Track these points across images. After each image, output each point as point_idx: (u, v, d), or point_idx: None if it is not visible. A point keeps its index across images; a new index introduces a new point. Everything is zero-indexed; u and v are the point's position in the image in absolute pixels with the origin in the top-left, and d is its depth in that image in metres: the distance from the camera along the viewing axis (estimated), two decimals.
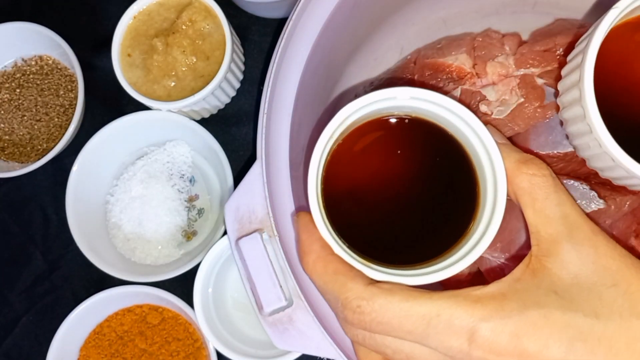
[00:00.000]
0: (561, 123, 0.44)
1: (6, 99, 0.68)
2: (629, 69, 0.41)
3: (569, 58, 0.42)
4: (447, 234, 0.39)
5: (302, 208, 0.47)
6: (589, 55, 0.37)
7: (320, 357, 0.54)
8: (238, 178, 0.63)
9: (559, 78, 0.46)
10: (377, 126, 0.41)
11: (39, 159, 0.63)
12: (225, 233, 0.60)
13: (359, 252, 0.38)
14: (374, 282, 0.34)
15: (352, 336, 0.35)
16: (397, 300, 0.32)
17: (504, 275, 0.50)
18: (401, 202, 0.40)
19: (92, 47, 0.69)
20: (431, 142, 0.41)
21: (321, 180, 0.38)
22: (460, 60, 0.51)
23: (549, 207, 0.35)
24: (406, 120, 0.40)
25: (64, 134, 0.64)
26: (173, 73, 0.61)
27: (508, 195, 0.36)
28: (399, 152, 0.41)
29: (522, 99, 0.48)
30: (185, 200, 0.65)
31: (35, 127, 0.68)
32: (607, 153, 0.37)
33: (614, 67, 0.41)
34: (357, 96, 0.57)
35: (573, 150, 0.46)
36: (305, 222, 0.37)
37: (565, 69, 0.42)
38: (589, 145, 0.39)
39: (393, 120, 0.40)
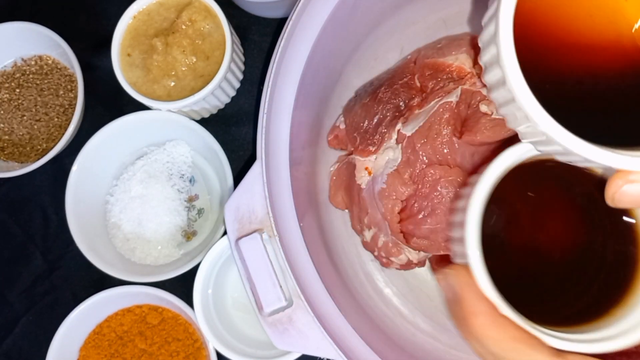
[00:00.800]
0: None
1: (6, 99, 0.68)
2: (554, 16, 0.33)
3: (489, 3, 0.34)
4: (609, 292, 0.36)
5: (302, 207, 0.47)
6: None
7: (320, 357, 0.54)
8: (238, 178, 0.62)
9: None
10: (534, 171, 0.37)
11: (38, 159, 0.63)
12: (225, 233, 0.60)
13: (518, 310, 0.34)
14: (557, 352, 0.32)
15: None
16: None
17: None
18: (559, 255, 0.37)
19: (92, 47, 0.69)
20: (593, 192, 0.37)
21: (479, 232, 0.34)
22: (460, 60, 0.51)
23: None
24: (566, 167, 0.36)
25: (63, 134, 0.64)
26: (173, 73, 0.61)
27: None
28: (556, 201, 0.38)
29: None
30: (185, 200, 0.65)
31: (35, 127, 0.68)
32: (535, 126, 0.30)
33: (537, 15, 0.32)
34: (356, 95, 0.57)
35: None
36: (465, 277, 0.34)
37: (485, 17, 0.34)
38: (516, 115, 0.32)
39: (551, 165, 0.36)
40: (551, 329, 0.33)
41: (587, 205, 0.38)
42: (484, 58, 0.33)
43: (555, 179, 0.38)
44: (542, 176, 0.38)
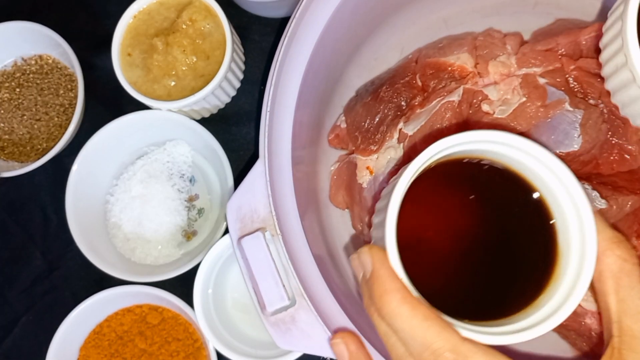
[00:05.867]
0: (608, 93, 0.45)
1: (6, 99, 0.68)
2: None
3: (604, 27, 0.42)
4: (521, 290, 0.37)
5: (303, 206, 0.47)
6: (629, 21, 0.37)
7: (323, 357, 0.54)
8: (238, 178, 0.62)
9: (562, 76, 0.45)
10: (452, 169, 0.39)
11: (38, 158, 0.63)
12: (225, 233, 0.60)
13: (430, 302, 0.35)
14: (463, 337, 0.33)
15: None
16: None
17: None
18: (474, 251, 0.39)
19: (92, 47, 0.69)
20: (510, 192, 0.38)
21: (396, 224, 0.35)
22: (462, 60, 0.51)
23: (633, 299, 0.34)
24: (485, 166, 0.38)
25: (63, 134, 0.64)
26: (173, 72, 0.61)
27: None
28: (473, 198, 0.39)
29: (524, 99, 0.48)
30: (185, 200, 0.65)
31: (35, 126, 0.68)
32: None
33: None
34: (357, 95, 0.57)
35: (575, 150, 0.46)
36: (379, 255, 0.35)
37: (604, 38, 0.42)
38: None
39: (470, 164, 0.38)
40: (462, 322, 0.34)
41: (506, 207, 0.39)
42: (609, 68, 0.42)
43: (472, 178, 0.39)
44: (459, 175, 0.39)
